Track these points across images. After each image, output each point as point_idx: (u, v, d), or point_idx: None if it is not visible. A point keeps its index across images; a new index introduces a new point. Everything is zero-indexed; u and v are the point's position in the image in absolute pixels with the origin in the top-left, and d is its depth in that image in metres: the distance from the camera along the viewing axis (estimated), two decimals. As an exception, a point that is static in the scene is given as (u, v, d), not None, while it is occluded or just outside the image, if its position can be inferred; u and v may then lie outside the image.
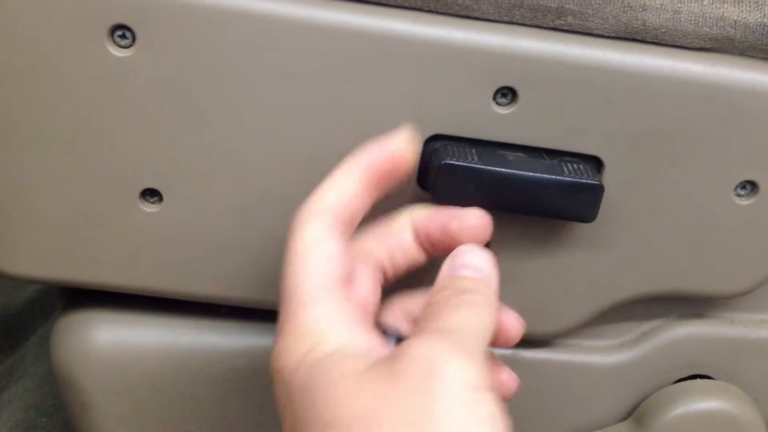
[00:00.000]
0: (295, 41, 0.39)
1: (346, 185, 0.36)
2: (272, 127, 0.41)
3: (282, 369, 0.33)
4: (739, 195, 0.43)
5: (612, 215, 0.43)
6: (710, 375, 0.51)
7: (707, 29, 0.41)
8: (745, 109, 0.41)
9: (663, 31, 0.41)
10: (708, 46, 0.41)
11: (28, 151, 0.41)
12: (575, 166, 0.40)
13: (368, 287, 0.37)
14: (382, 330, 0.36)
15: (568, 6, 0.40)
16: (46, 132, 0.41)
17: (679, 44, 0.41)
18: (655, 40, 0.41)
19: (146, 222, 0.43)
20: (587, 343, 0.50)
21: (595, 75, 0.40)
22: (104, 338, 0.46)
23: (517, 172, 0.39)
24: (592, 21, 0.40)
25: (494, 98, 0.40)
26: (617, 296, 0.46)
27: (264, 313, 0.45)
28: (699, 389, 0.50)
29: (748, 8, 0.41)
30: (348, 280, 0.35)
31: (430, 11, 0.40)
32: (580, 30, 0.41)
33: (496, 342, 0.37)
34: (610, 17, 0.40)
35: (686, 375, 0.51)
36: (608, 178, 0.42)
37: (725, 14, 0.41)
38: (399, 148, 0.37)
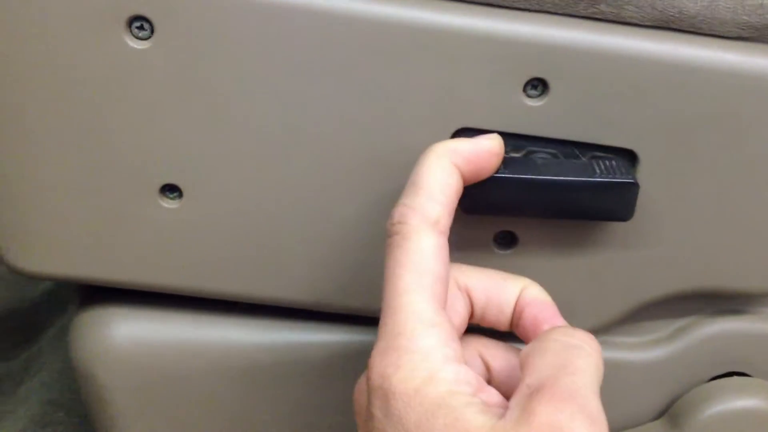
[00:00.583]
0: (318, 32, 0.38)
1: (450, 184, 0.36)
2: (295, 121, 0.40)
3: (393, 389, 0.32)
4: (780, 189, 0.42)
5: (648, 211, 0.42)
6: (747, 372, 0.50)
7: (746, 17, 0.39)
8: None
9: (700, 19, 0.39)
10: (746, 35, 0.40)
11: (45, 147, 0.40)
12: (608, 163, 0.40)
13: (459, 317, 0.38)
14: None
15: (601, -7, 0.39)
16: (62, 127, 0.40)
17: (716, 33, 0.40)
18: (691, 29, 0.40)
19: (166, 218, 0.42)
20: (620, 339, 0.49)
21: (629, 65, 0.39)
22: (123, 333, 0.46)
23: (549, 177, 0.38)
24: (626, 9, 0.39)
25: (524, 90, 0.39)
26: (652, 294, 0.45)
27: (286, 309, 0.45)
28: (735, 387, 0.49)
29: (788, -5, 0.40)
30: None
31: (457, 0, 0.39)
32: (614, 18, 0.39)
33: None
34: (645, 5, 0.39)
35: (722, 372, 0.50)
36: (643, 173, 0.41)
37: (764, 2, 0.39)
38: (495, 144, 0.37)
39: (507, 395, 0.34)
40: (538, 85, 0.39)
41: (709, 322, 0.49)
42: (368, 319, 0.46)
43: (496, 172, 0.38)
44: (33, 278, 0.44)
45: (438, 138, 0.40)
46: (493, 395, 0.33)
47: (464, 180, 0.37)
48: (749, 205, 0.42)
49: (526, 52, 0.39)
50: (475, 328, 0.39)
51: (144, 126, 0.40)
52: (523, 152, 0.40)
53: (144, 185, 0.41)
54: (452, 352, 0.33)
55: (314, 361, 0.47)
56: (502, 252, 0.43)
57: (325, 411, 0.48)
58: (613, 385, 0.49)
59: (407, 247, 0.34)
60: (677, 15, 0.39)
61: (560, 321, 0.37)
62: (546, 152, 0.41)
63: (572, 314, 0.44)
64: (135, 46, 0.38)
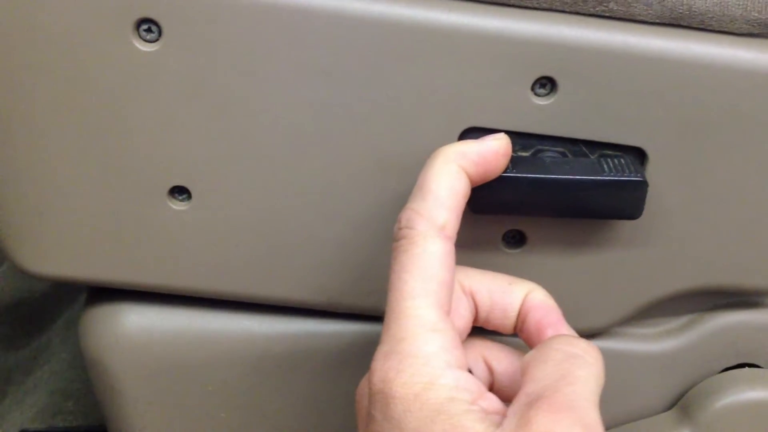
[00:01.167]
0: (326, 34, 0.38)
1: (457, 189, 0.36)
2: (303, 122, 0.40)
3: (394, 393, 0.32)
4: (790, 187, 0.42)
5: (657, 209, 0.42)
6: (759, 364, 0.50)
7: (756, 14, 0.39)
8: None
9: (710, 16, 0.39)
10: (757, 32, 0.40)
11: (54, 149, 0.40)
12: (617, 161, 0.39)
13: (462, 320, 0.38)
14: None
15: (610, -9, 0.39)
16: (71, 129, 0.40)
17: (726, 30, 0.40)
18: (701, 26, 0.39)
19: (175, 220, 0.42)
20: (632, 330, 0.49)
21: (638, 63, 0.39)
22: (134, 322, 0.46)
23: (557, 176, 0.38)
24: (635, 6, 0.39)
25: (532, 89, 0.39)
26: (661, 292, 0.45)
27: None
28: (747, 378, 0.49)
29: (799, -9, 0.39)
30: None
31: (465, -1, 0.39)
32: (623, 16, 0.39)
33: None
34: (654, 2, 0.39)
35: (734, 364, 0.50)
36: (652, 171, 0.41)
37: (774, -3, 0.39)
38: (502, 144, 0.37)
39: (508, 399, 0.34)
40: (546, 84, 0.39)
41: (722, 314, 0.49)
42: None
43: (505, 172, 0.38)
44: (42, 280, 0.44)
45: (446, 137, 0.40)
46: (493, 402, 0.33)
47: (472, 182, 0.37)
48: (759, 202, 0.42)
49: (535, 50, 0.38)
50: (479, 331, 0.39)
51: (152, 128, 0.40)
52: (532, 151, 0.40)
53: (153, 187, 0.41)
54: (454, 359, 0.33)
55: (325, 352, 0.47)
56: (510, 251, 0.43)
57: (336, 401, 0.48)
58: (625, 376, 0.49)
59: (413, 252, 0.34)
60: (686, 12, 0.39)
61: (564, 326, 0.37)
62: (554, 151, 0.40)
63: (581, 312, 0.44)
64: (143, 48, 0.38)
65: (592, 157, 0.40)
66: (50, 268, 0.43)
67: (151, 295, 0.46)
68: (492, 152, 0.37)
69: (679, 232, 0.43)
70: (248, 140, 0.40)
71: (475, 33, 0.38)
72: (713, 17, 0.39)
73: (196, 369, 0.47)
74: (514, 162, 0.38)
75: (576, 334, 0.37)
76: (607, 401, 0.49)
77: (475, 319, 0.39)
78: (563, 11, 0.39)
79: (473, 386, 0.32)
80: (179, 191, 0.42)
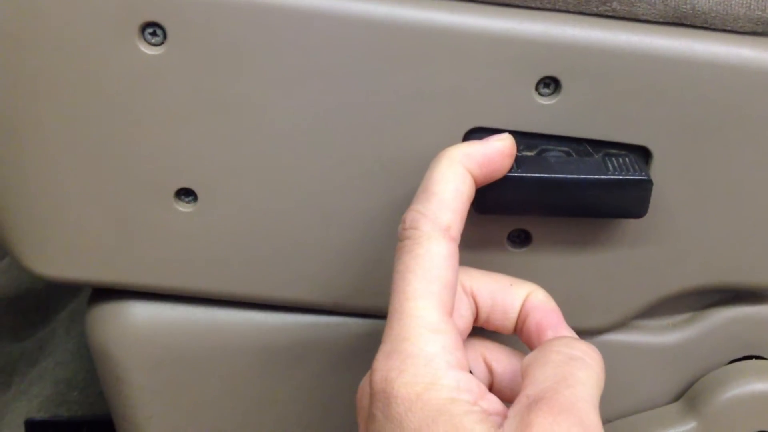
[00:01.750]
0: (330, 36, 0.38)
1: (462, 190, 0.36)
2: (307, 123, 0.40)
3: (395, 393, 0.32)
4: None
5: (662, 207, 0.42)
6: (765, 356, 0.50)
7: (759, 12, 0.39)
8: None
9: (713, 15, 0.39)
10: (760, 30, 0.40)
11: (61, 153, 0.40)
12: (621, 160, 0.39)
13: (463, 320, 0.38)
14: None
15: (613, -9, 0.39)
16: (78, 133, 0.40)
17: (729, 28, 0.40)
18: (704, 25, 0.39)
19: (181, 222, 0.42)
20: (638, 322, 0.49)
21: (642, 62, 0.39)
22: (140, 313, 0.46)
23: (562, 176, 0.38)
24: (639, 6, 0.39)
25: (536, 89, 0.39)
26: (666, 290, 0.45)
27: None
28: (754, 370, 0.49)
29: (802, -11, 0.39)
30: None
31: (468, 0, 0.39)
32: (626, 16, 0.39)
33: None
34: (657, 1, 0.39)
35: (741, 356, 0.50)
36: (657, 169, 0.41)
37: (778, -5, 0.39)
38: (507, 145, 0.37)
39: (508, 399, 0.34)
40: (550, 84, 0.39)
41: (729, 306, 0.49)
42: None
43: (510, 172, 0.38)
44: (51, 282, 0.44)
45: (451, 138, 0.40)
46: (494, 403, 0.33)
47: (477, 183, 0.37)
48: (764, 199, 0.42)
49: (538, 51, 0.38)
50: (479, 331, 0.39)
51: (158, 131, 0.40)
52: (536, 151, 0.40)
53: (159, 189, 0.41)
54: (455, 360, 0.33)
55: (330, 343, 0.47)
56: (516, 250, 0.43)
57: (340, 393, 0.48)
58: (632, 368, 0.49)
59: (418, 253, 0.34)
60: (690, 11, 0.39)
61: (564, 327, 0.38)
62: (559, 150, 0.40)
63: (587, 311, 0.44)
64: (148, 51, 0.38)
65: (596, 156, 0.40)
66: (57, 271, 0.44)
67: None
68: (497, 153, 0.37)
69: (684, 230, 0.43)
70: (254, 142, 0.40)
71: (478, 33, 0.38)
72: (716, 16, 0.39)
73: (202, 359, 0.47)
74: (519, 162, 0.39)
75: (576, 336, 0.37)
76: (613, 393, 0.50)
77: (476, 319, 0.39)
78: (567, 11, 0.39)
79: (474, 387, 0.33)
80: (185, 193, 0.42)
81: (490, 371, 0.38)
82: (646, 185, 0.39)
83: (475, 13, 0.38)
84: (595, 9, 0.39)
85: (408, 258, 0.34)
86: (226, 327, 0.47)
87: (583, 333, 0.46)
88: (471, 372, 0.35)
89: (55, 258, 0.43)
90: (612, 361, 0.48)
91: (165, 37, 0.38)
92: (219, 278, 0.44)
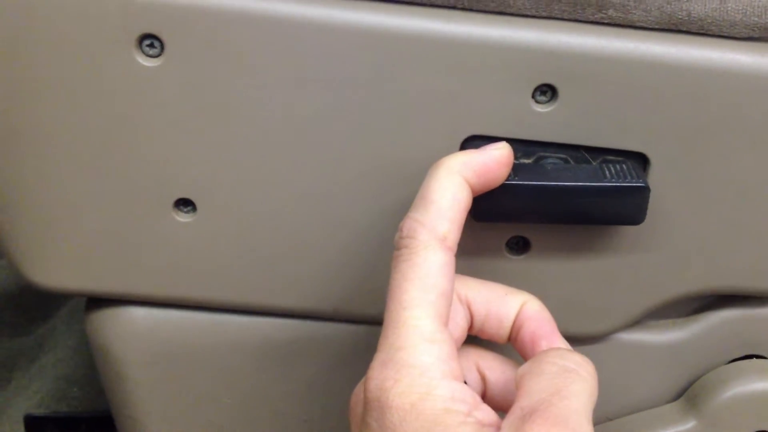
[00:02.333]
0: (328, 45, 0.38)
1: (459, 199, 0.36)
2: (305, 133, 0.40)
3: (390, 402, 0.32)
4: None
5: (660, 213, 0.42)
6: (766, 355, 0.50)
7: (756, 18, 0.39)
8: None
9: (709, 21, 0.39)
10: (757, 36, 0.40)
11: (59, 164, 0.41)
12: (619, 167, 0.39)
13: (458, 329, 0.38)
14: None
15: (609, -1, 0.39)
16: (77, 144, 0.40)
17: (726, 34, 0.39)
18: (701, 31, 0.39)
19: (180, 232, 0.42)
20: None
21: (639, 69, 0.39)
22: (140, 309, 0.46)
23: (559, 183, 0.38)
24: (635, 13, 0.39)
25: (533, 96, 0.39)
26: (664, 296, 0.45)
27: None
28: (754, 369, 0.49)
29: (798, -6, 0.39)
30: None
31: (464, 9, 0.39)
32: (622, 23, 0.39)
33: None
34: (653, 8, 0.39)
35: (741, 355, 0.50)
36: (654, 176, 0.41)
37: (774, 1, 0.39)
38: (504, 154, 0.37)
39: (501, 408, 0.34)
40: (547, 91, 0.39)
41: (730, 305, 0.49)
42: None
43: (507, 179, 0.38)
44: (51, 293, 0.44)
45: (448, 146, 0.40)
46: (488, 414, 0.33)
47: (474, 192, 0.37)
48: (762, 205, 0.42)
49: (535, 58, 0.38)
50: (473, 339, 0.39)
51: (157, 142, 0.40)
52: (534, 158, 0.40)
53: (158, 200, 0.41)
54: (450, 370, 0.33)
55: (328, 339, 0.47)
56: (514, 257, 0.43)
57: (338, 389, 0.48)
58: (632, 366, 0.49)
59: (414, 262, 0.34)
60: (686, 18, 0.39)
61: (558, 338, 0.38)
62: (556, 158, 0.40)
63: (586, 317, 0.45)
64: (146, 63, 0.38)
65: (594, 163, 0.40)
66: (57, 281, 0.44)
67: None
68: (494, 162, 0.37)
69: (682, 236, 0.43)
70: (252, 152, 0.40)
71: (475, 42, 0.38)
72: (713, 22, 0.39)
73: (201, 355, 0.47)
74: (517, 169, 0.39)
75: (570, 347, 0.37)
76: (613, 391, 0.50)
77: (470, 327, 0.39)
78: (563, 19, 0.39)
79: (469, 397, 0.33)
80: (184, 203, 0.42)
81: (483, 379, 0.38)
82: (644, 192, 0.39)
83: (472, 22, 0.38)
84: (591, 16, 0.39)
85: (405, 266, 0.35)
86: (225, 324, 0.47)
87: (583, 339, 0.47)
88: (465, 382, 0.36)
89: (56, 269, 0.43)
90: (612, 359, 0.48)
91: (162, 49, 0.38)
92: (218, 288, 0.44)
